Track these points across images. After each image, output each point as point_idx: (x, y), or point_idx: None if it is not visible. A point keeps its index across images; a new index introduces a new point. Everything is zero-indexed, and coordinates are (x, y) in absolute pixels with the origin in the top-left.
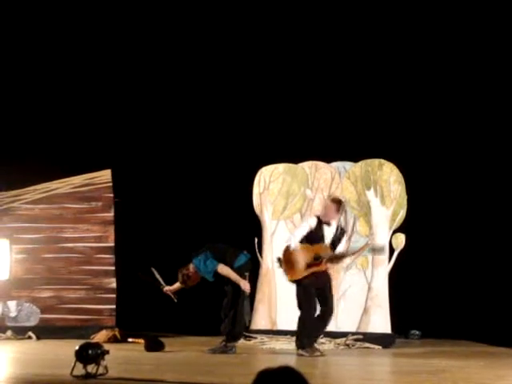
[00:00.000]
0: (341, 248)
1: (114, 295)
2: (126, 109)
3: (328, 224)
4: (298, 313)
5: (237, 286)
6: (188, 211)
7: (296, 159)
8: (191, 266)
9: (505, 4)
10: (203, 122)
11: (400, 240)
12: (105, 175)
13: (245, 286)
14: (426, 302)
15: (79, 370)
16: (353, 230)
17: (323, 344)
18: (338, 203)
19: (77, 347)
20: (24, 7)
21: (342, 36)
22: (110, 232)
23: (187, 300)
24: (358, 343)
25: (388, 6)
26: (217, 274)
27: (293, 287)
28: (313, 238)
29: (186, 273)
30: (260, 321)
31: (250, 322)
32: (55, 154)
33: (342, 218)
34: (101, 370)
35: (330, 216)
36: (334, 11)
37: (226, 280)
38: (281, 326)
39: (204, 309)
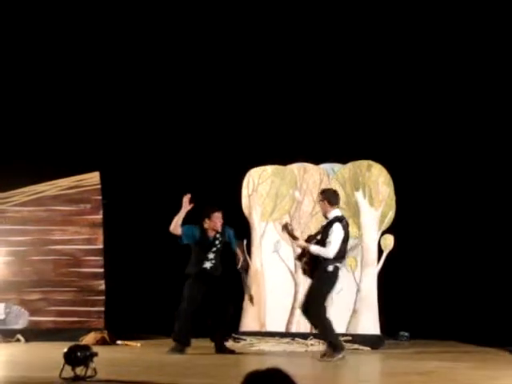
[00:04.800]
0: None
1: (103, 297)
2: (114, 111)
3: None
4: (287, 314)
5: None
6: (176, 213)
7: (285, 161)
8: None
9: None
10: (192, 123)
11: (389, 241)
12: (93, 177)
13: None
14: (414, 304)
15: (68, 372)
16: None
17: (312, 346)
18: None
19: (65, 349)
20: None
21: (330, 39)
22: (99, 234)
23: (176, 302)
24: (347, 344)
25: (373, 14)
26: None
27: (281, 289)
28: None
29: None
30: (249, 322)
31: None
32: (43, 157)
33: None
34: (89, 373)
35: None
36: (316, 21)
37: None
38: (270, 328)
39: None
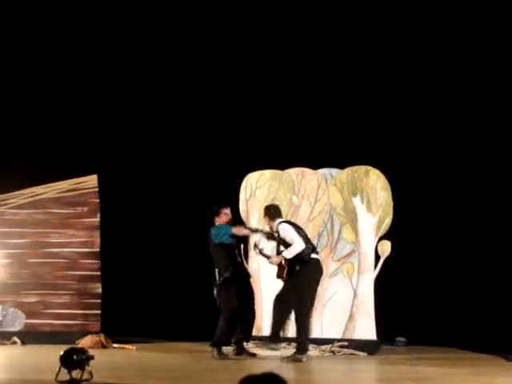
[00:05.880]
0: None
1: (100, 300)
2: (112, 114)
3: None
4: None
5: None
6: (174, 217)
7: (283, 166)
8: None
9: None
10: (190, 127)
11: (386, 247)
12: (91, 180)
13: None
14: (411, 309)
15: (64, 375)
16: (339, 236)
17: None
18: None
19: (61, 352)
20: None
21: (328, 46)
22: (96, 237)
23: (172, 306)
24: (344, 350)
25: (370, 22)
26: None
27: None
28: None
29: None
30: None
31: None
32: (41, 159)
33: (328, 224)
34: (85, 376)
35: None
36: (314, 29)
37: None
38: (266, 332)
39: (189, 315)
